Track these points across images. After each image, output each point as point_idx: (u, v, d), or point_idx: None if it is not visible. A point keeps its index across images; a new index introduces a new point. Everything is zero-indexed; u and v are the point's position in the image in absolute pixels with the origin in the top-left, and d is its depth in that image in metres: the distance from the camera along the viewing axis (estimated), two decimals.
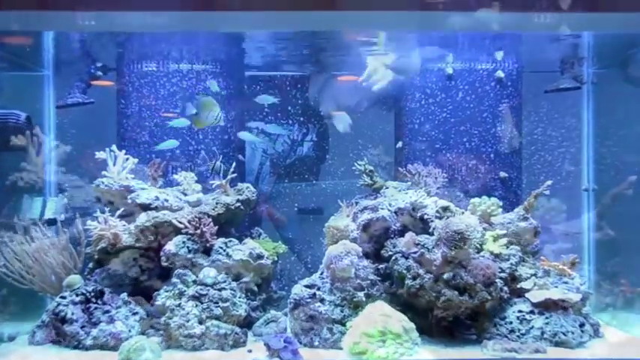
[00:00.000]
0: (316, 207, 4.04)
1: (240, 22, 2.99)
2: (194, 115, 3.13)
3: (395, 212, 2.89)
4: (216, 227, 2.87)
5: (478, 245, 2.67)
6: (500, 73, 3.47)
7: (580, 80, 3.61)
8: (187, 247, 2.80)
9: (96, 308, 2.62)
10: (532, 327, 2.54)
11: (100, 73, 3.57)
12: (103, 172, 3.02)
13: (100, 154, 3.02)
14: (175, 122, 3.22)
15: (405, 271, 2.63)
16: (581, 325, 2.58)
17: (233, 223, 3.14)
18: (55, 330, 2.60)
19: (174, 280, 2.70)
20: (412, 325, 2.48)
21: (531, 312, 2.58)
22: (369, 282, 2.69)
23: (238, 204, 3.05)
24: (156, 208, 2.94)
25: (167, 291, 2.66)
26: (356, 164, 3.23)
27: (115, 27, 3.09)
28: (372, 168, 3.23)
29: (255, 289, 2.87)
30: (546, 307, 2.59)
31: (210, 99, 3.16)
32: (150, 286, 2.83)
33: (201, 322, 2.55)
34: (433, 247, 2.62)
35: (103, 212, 2.88)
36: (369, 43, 3.48)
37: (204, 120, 3.13)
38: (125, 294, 2.71)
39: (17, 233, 2.94)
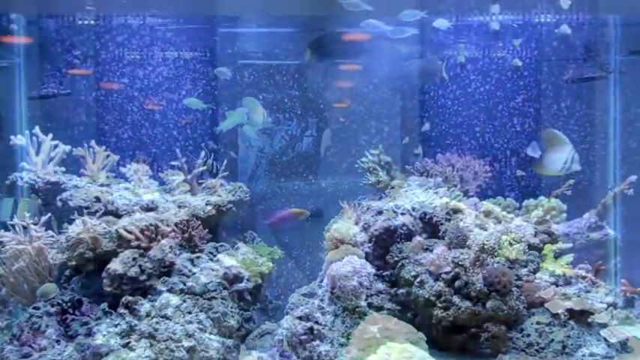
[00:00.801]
0: (316, 208, 4.03)
1: (233, 5, 2.97)
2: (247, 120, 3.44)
3: (402, 214, 2.87)
4: (206, 231, 2.86)
5: (493, 250, 2.66)
6: (517, 62, 3.46)
7: (606, 69, 3.60)
8: (174, 253, 2.78)
9: (73, 320, 2.59)
10: (552, 340, 2.50)
11: (77, 61, 3.54)
12: (82, 171, 3.01)
13: (78, 151, 3.01)
14: (225, 124, 3.39)
15: (411, 279, 2.61)
16: (607, 339, 2.55)
17: (225, 225, 3.13)
18: (27, 344, 2.58)
19: (159, 287, 2.67)
20: (419, 337, 2.45)
21: (551, 324, 2.56)
22: (373, 290, 2.68)
23: (230, 205, 3.04)
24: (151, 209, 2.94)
25: (151, 300, 2.65)
26: (360, 162, 3.22)
27: (97, 9, 3.08)
28: (376, 166, 3.22)
29: (249, 298, 2.86)
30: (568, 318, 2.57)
31: (252, 99, 3.48)
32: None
33: (189, 335, 2.54)
34: (442, 252, 2.60)
35: (81, 214, 2.87)
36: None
37: (256, 121, 3.46)
38: (105, 304, 2.70)
39: None
